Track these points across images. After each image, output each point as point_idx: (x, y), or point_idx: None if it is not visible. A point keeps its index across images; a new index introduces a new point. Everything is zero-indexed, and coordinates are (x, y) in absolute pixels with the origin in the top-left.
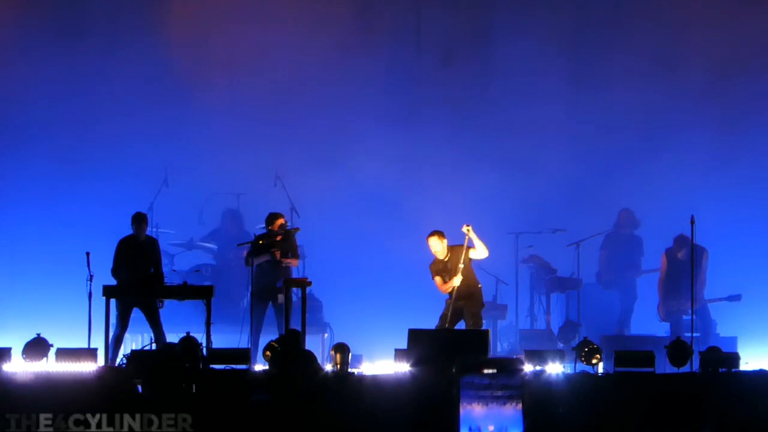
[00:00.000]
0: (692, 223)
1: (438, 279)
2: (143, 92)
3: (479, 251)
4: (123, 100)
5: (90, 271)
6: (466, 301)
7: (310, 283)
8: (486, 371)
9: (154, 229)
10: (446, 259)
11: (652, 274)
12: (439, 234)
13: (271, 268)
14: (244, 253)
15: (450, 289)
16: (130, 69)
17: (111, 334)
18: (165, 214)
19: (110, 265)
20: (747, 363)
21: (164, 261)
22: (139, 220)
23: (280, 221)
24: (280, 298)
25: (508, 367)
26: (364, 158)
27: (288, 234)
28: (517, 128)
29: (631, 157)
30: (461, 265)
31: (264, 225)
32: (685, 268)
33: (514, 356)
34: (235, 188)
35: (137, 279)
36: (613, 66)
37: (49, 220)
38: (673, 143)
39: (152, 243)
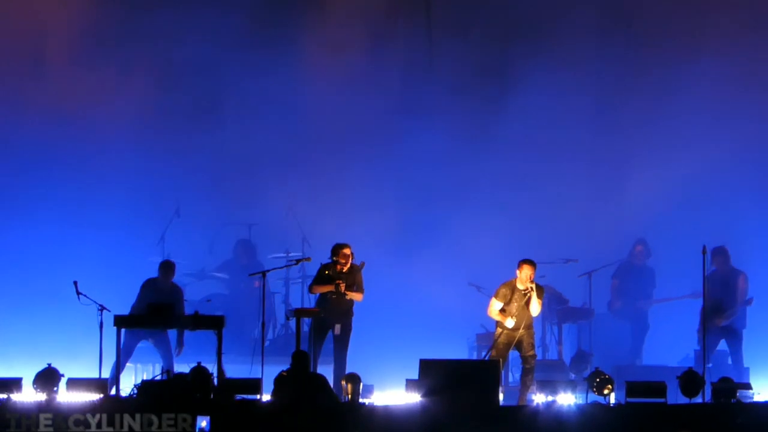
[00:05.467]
0: (704, 253)
1: (498, 301)
2: (155, 123)
3: (533, 309)
4: (134, 131)
5: (79, 299)
6: (527, 330)
7: (319, 313)
8: None
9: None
10: (523, 291)
11: (663, 305)
12: (533, 264)
13: (334, 299)
14: (256, 283)
15: (498, 320)
16: (141, 99)
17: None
18: (176, 245)
19: (122, 294)
20: (759, 393)
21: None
22: (167, 267)
23: (346, 251)
24: (337, 328)
25: None
26: (375, 188)
27: (353, 267)
28: (529, 158)
29: (643, 187)
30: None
31: (330, 255)
32: (722, 284)
33: None
34: (247, 219)
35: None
36: (629, 102)
37: (60, 249)
38: (685, 174)
39: (176, 290)
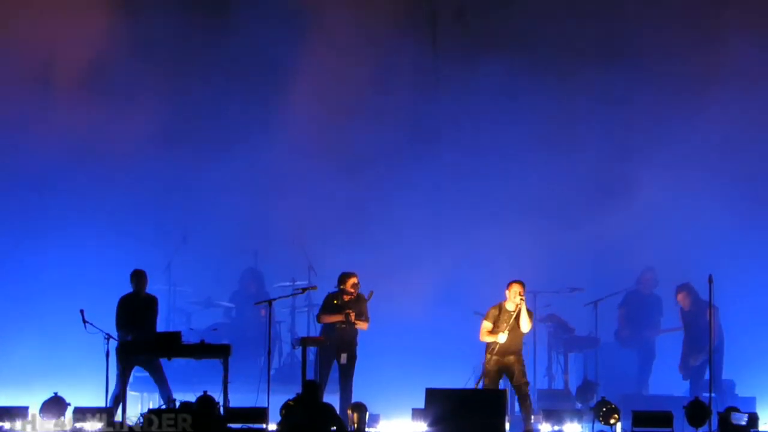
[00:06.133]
0: (710, 282)
1: (487, 322)
2: (162, 150)
3: (523, 324)
4: (142, 159)
5: (85, 328)
6: (517, 356)
7: (325, 342)
8: None
9: (172, 287)
10: (512, 311)
11: (670, 334)
12: (522, 284)
13: (342, 329)
14: (262, 312)
15: (490, 341)
16: (149, 127)
17: (112, 392)
18: (183, 273)
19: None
20: (767, 423)
21: (181, 319)
22: (138, 276)
23: (353, 280)
24: (344, 358)
25: None
26: (380, 215)
27: (360, 297)
28: (534, 185)
29: (650, 216)
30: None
31: (336, 284)
32: (690, 321)
33: None
34: (253, 246)
35: (143, 337)
36: (637, 127)
37: (67, 277)
38: (691, 204)
39: (150, 300)
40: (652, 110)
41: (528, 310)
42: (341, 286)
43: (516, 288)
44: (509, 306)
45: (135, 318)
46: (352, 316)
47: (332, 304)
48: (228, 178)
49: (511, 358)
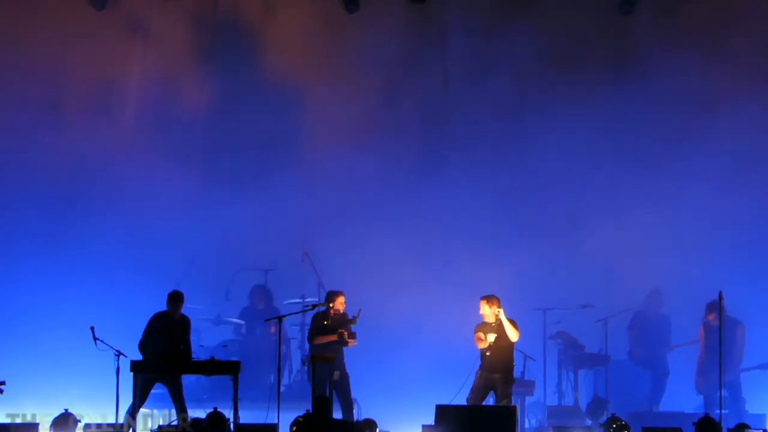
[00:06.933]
0: (720, 299)
1: (478, 334)
2: (171, 169)
3: (510, 334)
4: (150, 177)
5: (96, 345)
6: (502, 375)
7: (333, 358)
8: None
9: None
10: (492, 324)
11: (680, 350)
12: (487, 299)
13: (333, 347)
14: (272, 329)
15: (484, 344)
16: (157, 146)
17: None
18: (192, 290)
19: (138, 339)
20: None
21: (192, 336)
22: (175, 298)
23: (342, 299)
24: (337, 375)
25: None
26: (390, 233)
27: (344, 316)
28: (546, 205)
29: (658, 233)
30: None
31: (324, 303)
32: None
33: None
34: (262, 264)
35: (165, 354)
36: (648, 147)
37: (78, 294)
38: (700, 221)
39: (184, 321)
40: (664, 126)
41: (510, 320)
42: (330, 305)
43: (482, 308)
44: (488, 320)
45: (167, 336)
46: (345, 335)
47: (322, 324)
48: (237, 195)
49: (497, 376)
